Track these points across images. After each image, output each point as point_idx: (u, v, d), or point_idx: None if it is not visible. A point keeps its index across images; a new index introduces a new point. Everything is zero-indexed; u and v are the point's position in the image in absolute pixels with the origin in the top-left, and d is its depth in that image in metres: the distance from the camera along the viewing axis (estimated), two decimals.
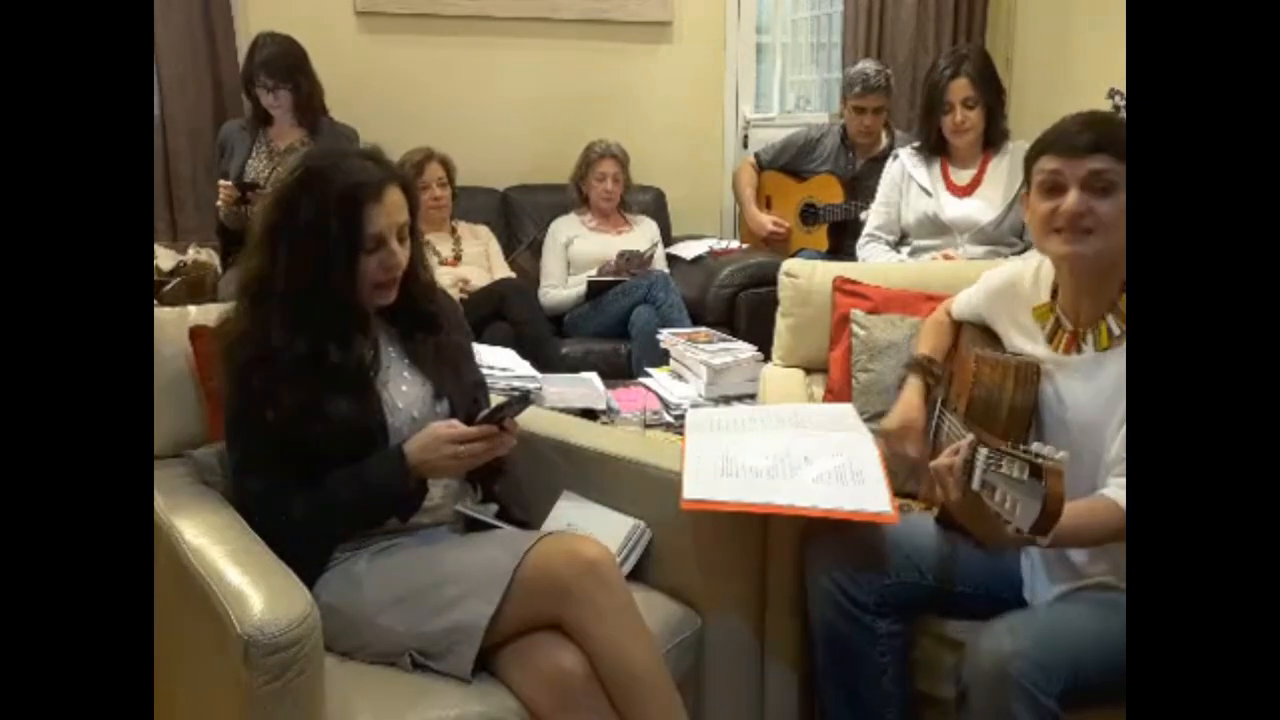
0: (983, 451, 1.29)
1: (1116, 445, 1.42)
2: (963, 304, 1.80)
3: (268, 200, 1.57)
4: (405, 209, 1.54)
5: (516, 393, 1.54)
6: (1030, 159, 1.50)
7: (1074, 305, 1.52)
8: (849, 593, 1.56)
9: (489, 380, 2.23)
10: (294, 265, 1.49)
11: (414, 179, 3.32)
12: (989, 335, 1.72)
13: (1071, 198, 1.41)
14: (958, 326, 1.82)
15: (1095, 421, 1.46)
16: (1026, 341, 1.60)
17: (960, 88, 2.75)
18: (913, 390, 1.74)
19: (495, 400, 1.72)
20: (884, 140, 3.65)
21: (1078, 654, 1.33)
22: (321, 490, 1.49)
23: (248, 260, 1.58)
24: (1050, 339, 1.55)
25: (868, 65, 3.60)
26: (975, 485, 1.29)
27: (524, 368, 2.54)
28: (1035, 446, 1.22)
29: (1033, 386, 1.52)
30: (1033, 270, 1.63)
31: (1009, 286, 1.67)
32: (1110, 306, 1.47)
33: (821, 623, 1.59)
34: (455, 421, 1.53)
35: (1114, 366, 1.45)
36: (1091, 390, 1.48)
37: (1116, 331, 1.46)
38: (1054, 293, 1.57)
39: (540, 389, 2.41)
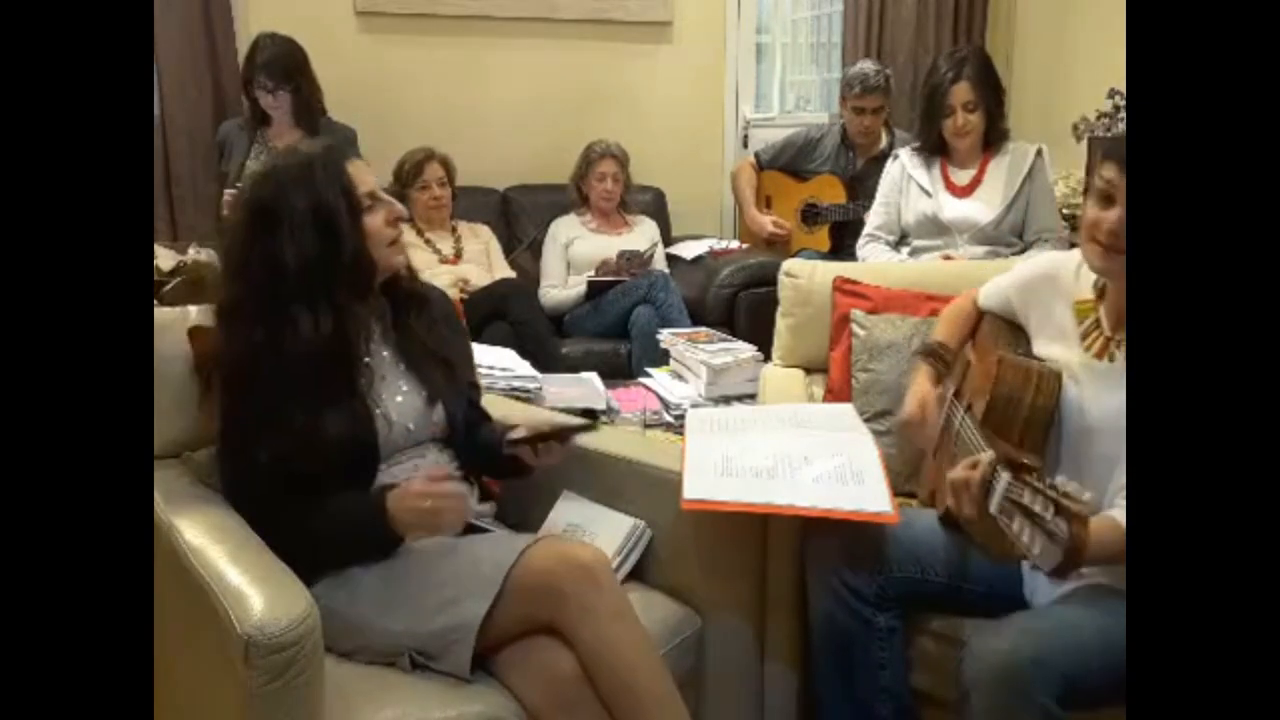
0: (1004, 476, 1.26)
1: (1122, 469, 1.40)
2: (992, 292, 1.76)
3: (243, 211, 1.57)
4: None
5: (587, 421, 1.62)
6: (1093, 160, 1.49)
7: (1115, 309, 1.49)
8: (850, 584, 1.56)
9: (489, 381, 2.24)
10: (304, 250, 1.50)
11: (413, 179, 3.35)
12: (1012, 329, 1.69)
13: (1115, 214, 1.37)
14: (979, 317, 1.79)
15: (1115, 431, 1.41)
16: (1056, 337, 1.57)
17: (961, 91, 2.75)
18: (924, 377, 1.73)
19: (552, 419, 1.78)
20: (884, 140, 3.65)
21: (1078, 654, 1.33)
22: (304, 528, 1.48)
23: (236, 283, 1.56)
24: (1085, 337, 1.52)
25: (866, 65, 3.60)
26: (993, 509, 1.27)
27: (524, 368, 2.54)
28: (1060, 482, 1.19)
29: (1053, 394, 1.49)
30: (1076, 263, 1.58)
31: (1047, 277, 1.62)
32: None
33: (821, 615, 1.59)
34: (435, 472, 1.54)
35: None
36: (1115, 401, 1.43)
37: None
38: (1101, 292, 1.53)
39: (541, 389, 2.41)
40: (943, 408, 1.72)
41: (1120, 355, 1.47)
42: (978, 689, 1.33)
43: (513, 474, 1.71)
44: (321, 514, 1.49)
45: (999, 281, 1.75)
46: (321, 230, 1.51)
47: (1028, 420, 1.48)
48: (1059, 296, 1.59)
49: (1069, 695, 1.31)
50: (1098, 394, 1.47)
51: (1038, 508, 1.18)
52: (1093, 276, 1.54)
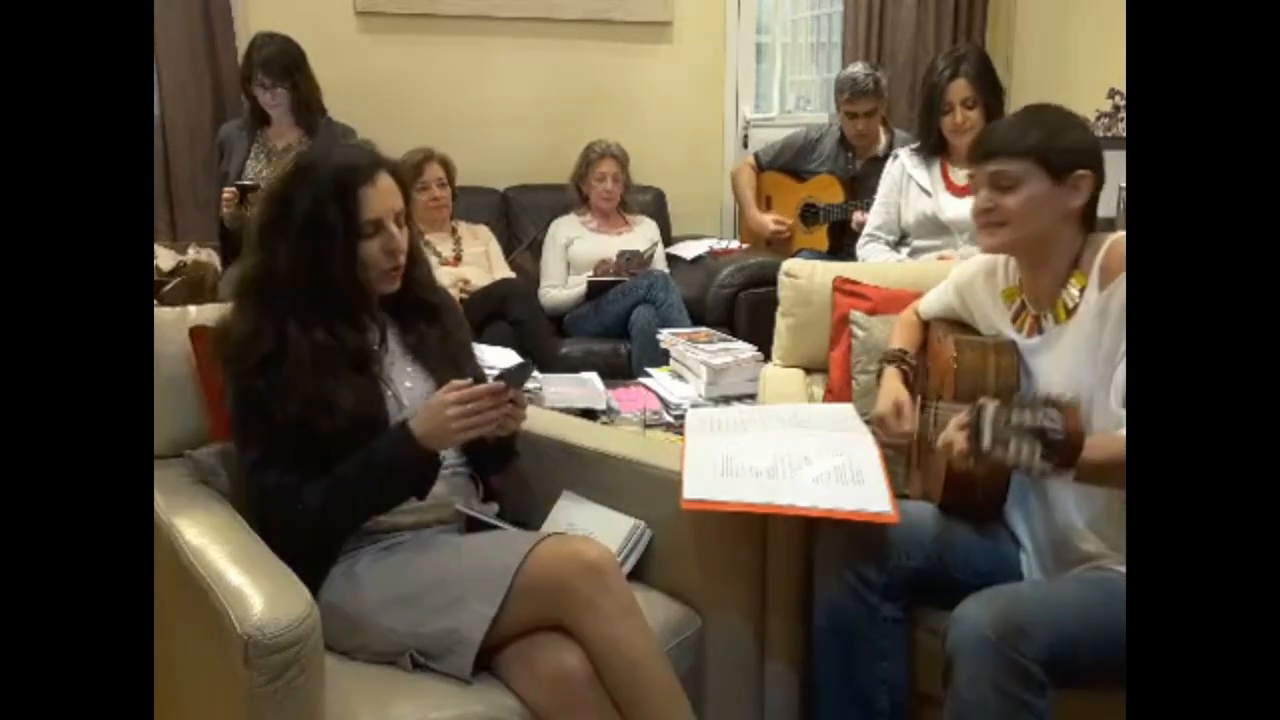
0: (989, 409, 1.30)
1: (1115, 393, 1.45)
2: (932, 302, 1.85)
3: (263, 198, 1.60)
4: (399, 195, 1.58)
5: (515, 364, 1.56)
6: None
7: (1032, 287, 1.61)
8: (859, 572, 1.57)
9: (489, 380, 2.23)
10: (296, 258, 1.51)
11: (413, 179, 3.34)
12: (960, 329, 1.75)
13: (980, 197, 1.57)
14: (926, 325, 1.85)
15: (1065, 390, 1.48)
16: (996, 324, 1.67)
17: (959, 88, 2.75)
18: (892, 377, 1.78)
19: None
20: (883, 140, 3.64)
21: (1066, 626, 1.34)
22: (335, 475, 1.49)
23: (246, 260, 1.59)
24: (1015, 320, 1.63)
25: (856, 69, 3.57)
26: (986, 446, 1.29)
27: None
28: (1040, 394, 1.26)
29: (1014, 364, 1.59)
30: (1004, 260, 1.69)
31: (983, 276, 1.72)
32: (1064, 284, 1.55)
33: (827, 604, 1.60)
34: (457, 382, 1.51)
35: (1071, 335, 1.52)
36: (1054, 361, 1.55)
37: (1071, 305, 1.54)
38: (1021, 280, 1.65)
39: (540, 388, 2.41)
40: (914, 413, 1.74)
41: (1048, 324, 1.57)
42: (962, 653, 1.34)
43: (506, 451, 1.70)
44: (348, 462, 1.49)
45: (936, 291, 1.84)
46: (313, 244, 1.50)
47: (996, 392, 1.53)
48: (991, 292, 1.70)
49: (1054, 667, 1.32)
50: (1038, 362, 1.58)
51: (1027, 419, 1.23)
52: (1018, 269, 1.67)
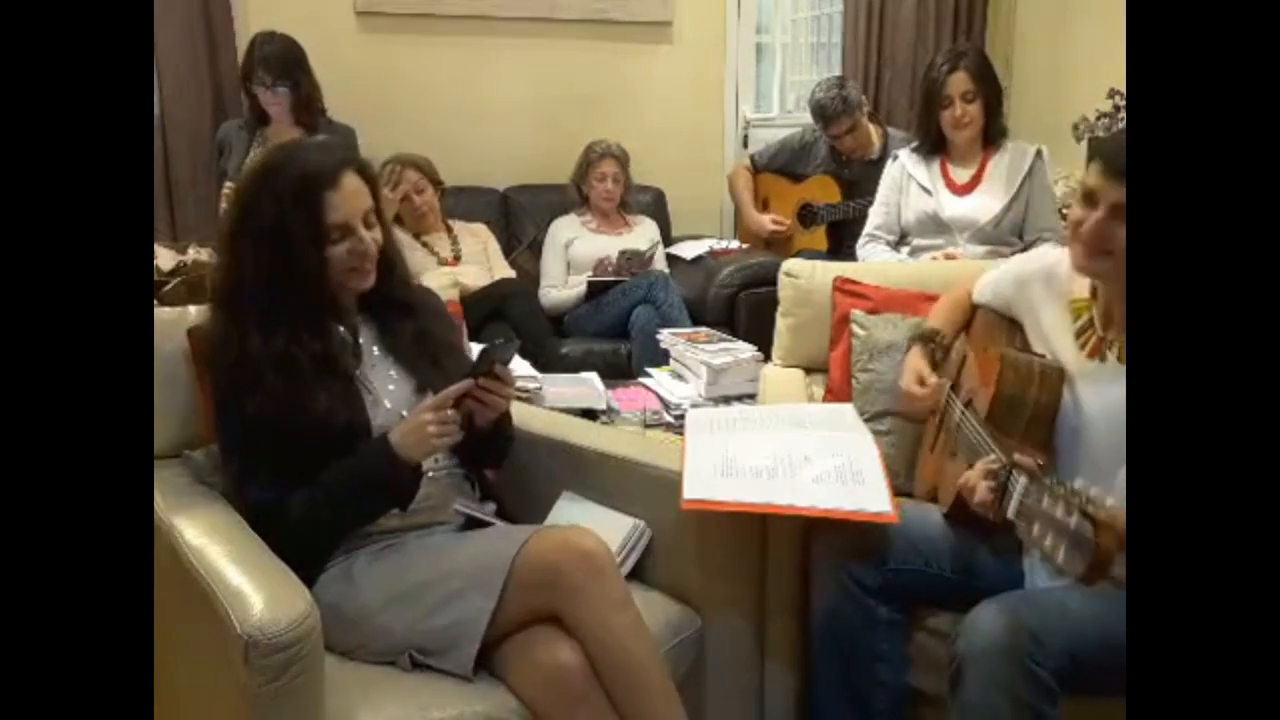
0: (1021, 480, 1.26)
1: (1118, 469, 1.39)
2: (986, 287, 1.76)
3: (229, 202, 1.58)
4: (367, 194, 1.55)
5: (499, 340, 1.55)
6: (1088, 157, 1.47)
7: (1107, 309, 1.50)
8: (854, 575, 1.56)
9: None
10: (261, 264, 1.50)
11: (393, 191, 3.29)
12: (1007, 324, 1.69)
13: (1095, 219, 1.38)
14: (973, 310, 1.80)
15: (1108, 432, 1.44)
16: (1052, 333, 1.57)
17: (959, 82, 2.75)
18: (917, 356, 1.75)
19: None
20: (876, 142, 3.62)
21: (1075, 631, 1.32)
22: (317, 488, 1.49)
23: (216, 264, 1.59)
24: (1078, 335, 1.53)
25: (819, 95, 3.51)
26: (1010, 514, 1.26)
27: (524, 368, 2.54)
28: (1079, 485, 1.17)
29: (1057, 390, 1.49)
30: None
31: (1044, 274, 1.62)
32: None
33: (823, 606, 1.59)
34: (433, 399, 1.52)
35: None
36: (1107, 401, 1.44)
37: None
38: (1095, 290, 1.53)
39: (541, 389, 2.41)
40: (941, 397, 1.72)
41: (1112, 355, 1.48)
42: (974, 661, 1.32)
43: (502, 437, 1.70)
44: (330, 474, 1.49)
45: (994, 276, 1.76)
46: (277, 249, 1.48)
47: (1032, 417, 1.49)
48: (1052, 296, 1.59)
49: (1067, 675, 1.30)
50: (1090, 392, 1.48)
51: (1059, 513, 1.16)
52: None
